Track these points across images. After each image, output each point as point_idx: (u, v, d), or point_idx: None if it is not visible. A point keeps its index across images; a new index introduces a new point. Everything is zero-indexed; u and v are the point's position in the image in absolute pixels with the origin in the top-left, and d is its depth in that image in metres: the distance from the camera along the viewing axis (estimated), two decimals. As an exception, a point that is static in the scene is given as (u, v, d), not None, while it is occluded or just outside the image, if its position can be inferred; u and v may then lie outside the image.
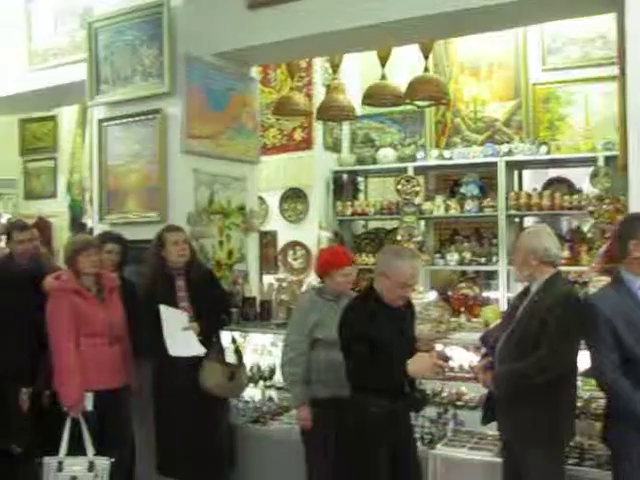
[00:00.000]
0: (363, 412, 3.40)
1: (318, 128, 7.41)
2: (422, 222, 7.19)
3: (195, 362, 4.39)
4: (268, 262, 7.09)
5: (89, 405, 4.21)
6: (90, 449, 4.15)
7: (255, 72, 5.98)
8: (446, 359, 3.52)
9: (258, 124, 5.91)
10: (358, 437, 3.43)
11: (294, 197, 7.48)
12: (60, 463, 4.13)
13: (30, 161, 8.96)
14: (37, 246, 5.06)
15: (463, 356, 4.65)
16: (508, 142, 7.06)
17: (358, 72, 7.60)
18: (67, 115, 8.55)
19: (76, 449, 4.17)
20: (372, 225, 8.19)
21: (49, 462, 4.15)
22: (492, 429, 3.85)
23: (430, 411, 4.38)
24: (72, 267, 4.33)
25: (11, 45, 6.63)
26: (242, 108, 5.60)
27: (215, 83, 5.34)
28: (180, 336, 4.38)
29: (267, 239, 7.13)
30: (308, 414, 4.04)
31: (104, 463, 4.12)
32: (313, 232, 7.38)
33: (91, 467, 4.10)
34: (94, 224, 5.63)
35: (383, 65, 6.16)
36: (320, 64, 7.30)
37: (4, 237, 5.13)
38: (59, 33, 6.28)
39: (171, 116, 5.09)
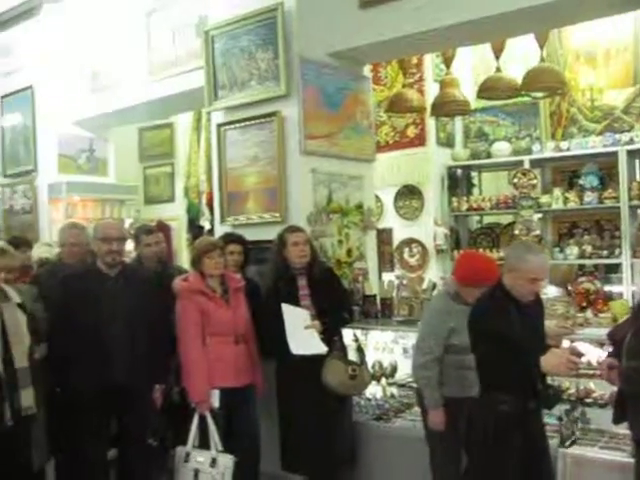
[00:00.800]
0: (493, 411, 3.34)
1: (431, 124, 7.35)
2: (538, 215, 7.02)
3: (317, 360, 4.41)
4: (384, 260, 7.10)
5: (215, 402, 4.33)
6: (214, 445, 4.27)
7: (367, 70, 5.98)
8: (580, 355, 3.39)
9: (373, 122, 5.92)
10: (488, 437, 3.37)
11: (408, 194, 7.43)
12: (187, 454, 4.30)
13: (149, 167, 9.30)
14: (163, 249, 5.21)
15: (591, 352, 4.50)
16: (628, 130, 6.79)
17: (470, 65, 7.50)
18: (183, 122, 8.81)
19: (203, 445, 4.31)
20: (487, 220, 8.06)
21: (179, 452, 4.33)
22: (623, 428, 3.70)
23: (558, 409, 4.25)
24: (198, 269, 4.46)
25: (132, 58, 6.89)
26: (356, 107, 5.62)
27: (329, 83, 5.38)
28: (302, 334, 4.42)
29: (383, 237, 7.12)
30: (442, 418, 3.98)
31: (226, 461, 4.22)
32: (429, 229, 7.33)
33: (213, 462, 4.22)
34: (215, 226, 5.76)
35: (497, 57, 6.06)
36: (431, 59, 7.23)
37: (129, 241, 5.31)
38: (176, 44, 6.47)
39: (288, 118, 5.15)
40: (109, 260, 4.26)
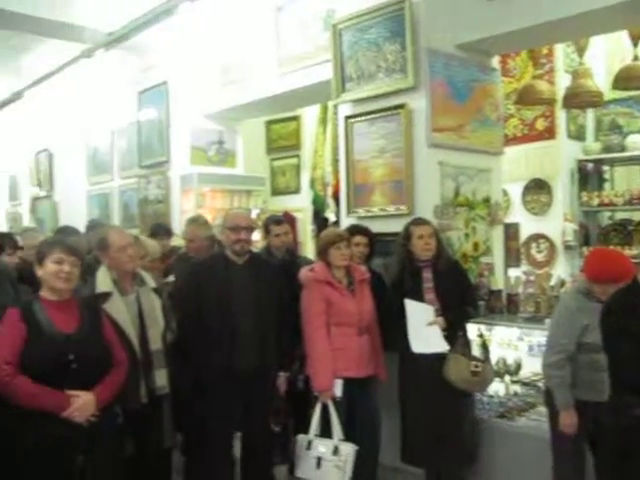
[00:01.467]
0: (624, 415, 3.20)
1: (561, 116, 7.12)
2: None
3: (440, 354, 4.38)
4: (510, 255, 6.95)
5: (338, 391, 4.37)
6: (337, 434, 4.30)
7: (496, 62, 5.88)
8: None
9: (501, 114, 5.81)
10: (618, 443, 3.22)
11: (537, 188, 7.24)
12: (309, 442, 4.35)
13: (276, 159, 9.49)
14: (291, 239, 5.32)
15: None
16: None
17: (603, 54, 7.22)
18: (309, 114, 8.94)
19: (325, 433, 4.36)
20: (619, 216, 7.74)
21: (301, 440, 4.40)
22: None
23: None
24: (324, 259, 4.52)
25: (261, 53, 7.06)
26: (485, 99, 5.53)
27: (457, 75, 5.31)
28: (424, 331, 4.40)
29: (510, 232, 6.98)
30: (574, 419, 3.81)
31: (349, 449, 4.25)
32: (557, 224, 7.12)
33: (335, 451, 4.26)
34: (341, 218, 5.81)
35: (635, 44, 5.80)
36: (562, 49, 7.01)
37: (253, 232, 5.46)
38: (305, 38, 6.58)
39: (415, 110, 5.12)
40: (237, 249, 4.36)
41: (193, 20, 7.08)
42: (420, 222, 4.63)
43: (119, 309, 3.79)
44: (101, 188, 9.98)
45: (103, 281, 3.87)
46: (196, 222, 5.51)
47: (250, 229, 4.49)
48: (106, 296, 3.80)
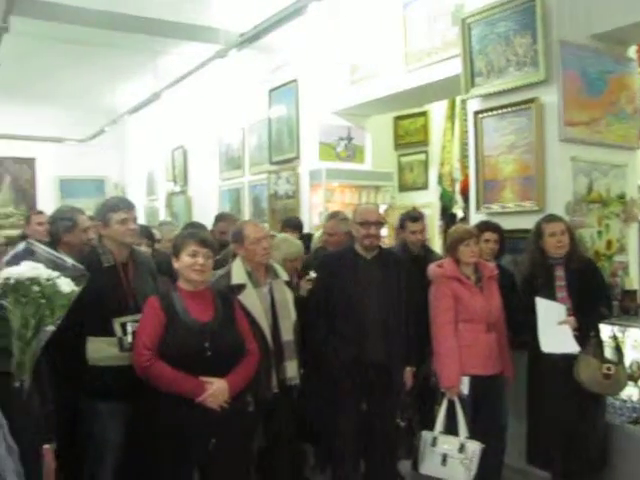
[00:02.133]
0: None
1: None
2: None
3: (571, 355, 4.28)
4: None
5: (465, 389, 4.35)
6: (462, 431, 4.29)
7: (632, 52, 5.65)
8: None
9: (638, 107, 5.58)
10: None
11: (676, 183, 6.90)
12: (434, 439, 4.35)
13: (403, 155, 9.49)
14: (426, 236, 5.36)
15: None
16: None
17: None
18: (437, 110, 8.88)
19: (450, 430, 4.35)
20: None
21: (426, 436, 4.40)
22: None
23: None
24: (453, 255, 4.51)
25: (389, 49, 7.08)
26: (620, 91, 5.35)
27: (591, 67, 5.16)
28: (555, 331, 4.30)
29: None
30: None
31: (475, 447, 4.23)
32: None
33: (461, 448, 4.24)
34: (471, 214, 5.77)
35: None
36: None
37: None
38: (432, 33, 6.54)
39: (547, 104, 5.01)
40: (367, 243, 4.41)
41: (321, 18, 7.18)
42: (552, 219, 4.54)
43: (253, 300, 3.94)
44: (232, 183, 10.32)
45: (238, 273, 4.03)
46: (336, 217, 5.63)
47: (379, 224, 4.52)
48: (241, 287, 3.95)
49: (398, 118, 9.43)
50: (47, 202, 13.87)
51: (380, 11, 7.18)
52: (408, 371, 4.48)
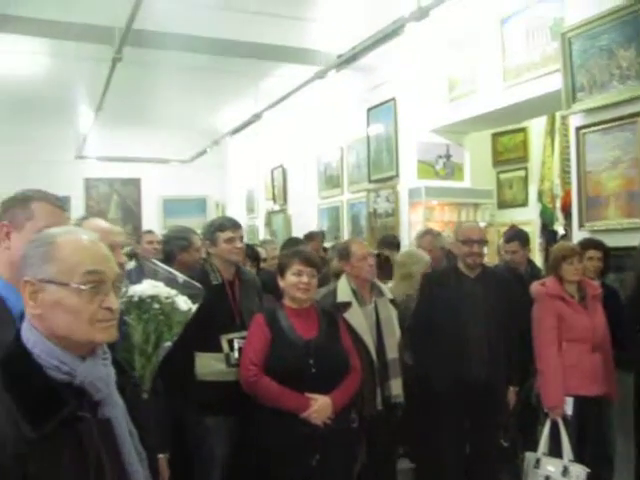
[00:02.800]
0: None
1: None
2: None
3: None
4: None
5: (569, 409, 4.26)
6: (566, 454, 4.20)
7: None
8: None
9: None
10: None
11: None
12: (538, 460, 4.29)
13: (502, 172, 9.40)
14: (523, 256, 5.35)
15: None
16: None
17: None
18: (536, 126, 8.77)
19: (554, 451, 4.26)
20: None
21: (529, 457, 4.35)
22: None
23: None
24: (556, 274, 4.45)
25: (486, 65, 7.06)
26: None
27: (700, 78, 5.01)
28: None
29: None
30: None
31: (579, 471, 4.12)
32: None
33: (565, 471, 4.15)
34: (573, 231, 5.67)
35: None
36: None
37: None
38: (530, 48, 6.48)
39: (657, 118, 4.89)
40: (470, 261, 4.41)
41: (419, 38, 7.23)
42: None
43: (358, 318, 4.00)
44: (331, 202, 10.46)
45: (343, 291, 4.11)
46: (431, 233, 5.73)
47: (482, 242, 4.52)
48: (346, 305, 4.02)
49: (497, 134, 9.37)
50: (151, 221, 14.42)
51: (477, 27, 7.17)
52: (511, 391, 4.45)
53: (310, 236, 7.56)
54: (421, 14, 5.36)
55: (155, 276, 2.55)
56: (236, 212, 14.11)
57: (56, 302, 1.60)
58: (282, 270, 3.68)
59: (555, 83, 5.81)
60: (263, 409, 3.46)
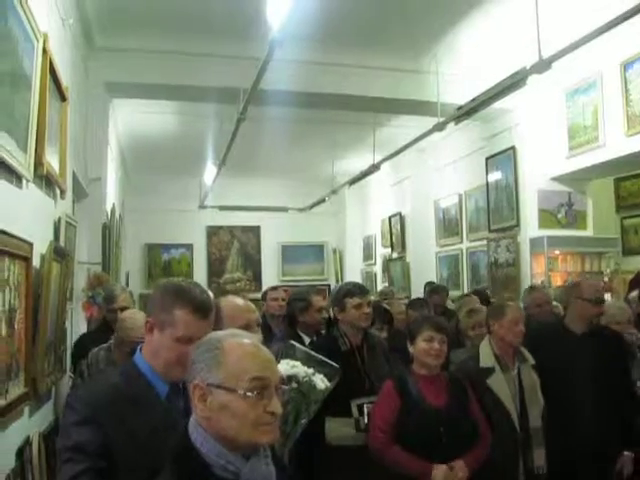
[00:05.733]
0: None
1: None
2: None
3: None
4: None
5: None
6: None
7: None
8: None
9: None
10: None
11: None
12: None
13: (627, 217, 9.11)
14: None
15: None
16: None
17: None
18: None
19: None
20: None
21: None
22: None
23: None
24: None
25: (608, 113, 6.96)
26: None
27: None
28: None
29: None
30: None
31: None
32: None
33: None
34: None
35: None
36: None
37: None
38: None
39: None
40: (596, 322, 4.28)
41: (539, 85, 7.18)
42: None
43: (501, 384, 3.93)
44: (450, 249, 10.43)
45: (486, 355, 4.07)
46: (539, 289, 5.69)
47: (603, 302, 4.41)
48: (490, 371, 3.97)
49: (619, 179, 9.10)
50: (271, 266, 14.79)
51: (599, 74, 7.06)
52: (626, 456, 4.15)
53: (435, 290, 7.55)
54: (543, 66, 5.31)
55: (292, 356, 2.63)
56: (353, 258, 14.30)
57: (223, 406, 1.71)
58: (413, 336, 3.71)
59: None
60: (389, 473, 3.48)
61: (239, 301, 2.78)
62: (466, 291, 9.27)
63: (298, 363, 2.50)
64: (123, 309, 4.42)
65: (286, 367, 2.43)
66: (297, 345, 2.85)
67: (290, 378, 2.40)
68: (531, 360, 4.12)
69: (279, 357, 2.52)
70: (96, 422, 1.98)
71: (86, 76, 6.45)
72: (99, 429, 1.97)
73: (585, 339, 4.26)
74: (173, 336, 2.15)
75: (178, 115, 9.22)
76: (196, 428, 1.75)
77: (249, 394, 1.70)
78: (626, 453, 4.16)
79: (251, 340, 1.83)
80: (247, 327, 2.55)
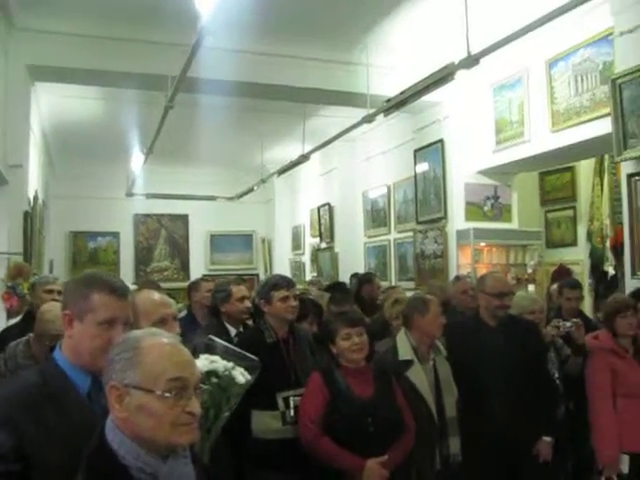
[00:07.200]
0: None
1: None
2: None
3: None
4: None
5: (625, 467, 4.15)
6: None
7: None
8: None
9: None
10: None
11: None
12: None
13: (550, 211, 9.34)
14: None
15: None
16: None
17: None
18: (584, 165, 8.73)
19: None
20: None
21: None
22: None
23: None
24: (610, 327, 4.40)
25: (534, 109, 7.11)
26: None
27: None
28: None
29: None
30: None
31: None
32: None
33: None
34: (626, 280, 5.60)
35: None
36: None
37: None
38: (579, 92, 6.48)
39: None
40: (501, 314, 4.36)
41: (467, 80, 7.27)
42: None
43: (419, 376, 3.98)
44: (378, 240, 10.51)
45: (404, 348, 4.09)
46: (461, 278, 5.99)
47: (512, 294, 4.54)
48: (408, 363, 4.01)
49: (544, 174, 9.35)
50: (198, 256, 14.66)
51: (525, 71, 7.20)
52: (544, 441, 4.26)
53: (366, 279, 7.64)
54: (471, 62, 5.37)
55: (212, 350, 2.60)
56: (282, 248, 14.28)
57: (141, 407, 1.67)
58: (331, 337, 3.73)
59: (604, 127, 5.83)
60: (320, 467, 3.49)
61: (154, 295, 2.72)
62: (394, 282, 9.37)
63: (217, 358, 2.47)
64: (60, 292, 4.30)
65: (205, 362, 2.39)
66: (216, 339, 2.83)
67: (209, 373, 2.37)
68: (444, 352, 4.20)
69: (198, 352, 2.48)
70: (12, 423, 1.90)
71: (6, 58, 6.23)
72: (14, 431, 1.89)
73: (499, 330, 4.35)
74: (95, 321, 2.09)
75: (105, 101, 8.98)
76: (113, 429, 1.71)
77: (167, 395, 1.67)
78: (544, 438, 4.27)
79: (170, 340, 1.80)
80: (162, 322, 2.51)
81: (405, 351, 4.08)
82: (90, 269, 2.40)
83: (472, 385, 4.15)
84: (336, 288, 6.79)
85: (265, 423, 3.71)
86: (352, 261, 10.92)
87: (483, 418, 4.10)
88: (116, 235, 14.30)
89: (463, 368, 4.17)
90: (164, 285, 6.41)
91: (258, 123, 10.11)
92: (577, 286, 5.43)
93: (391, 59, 7.51)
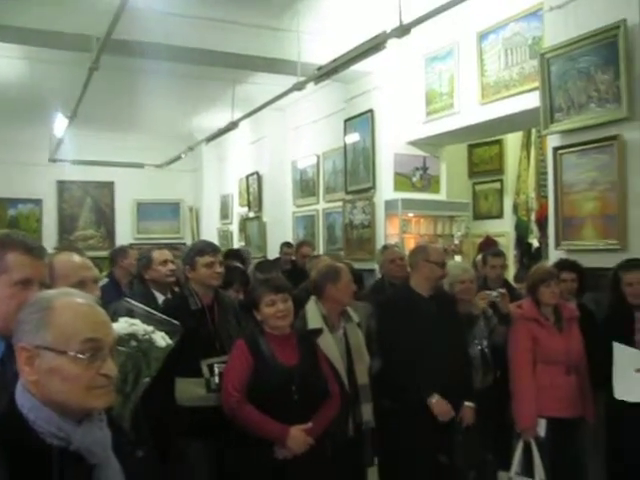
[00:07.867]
0: None
1: None
2: None
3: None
4: None
5: (542, 431, 4.28)
6: (538, 474, 4.22)
7: None
8: None
9: None
10: None
11: None
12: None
13: (478, 183, 9.46)
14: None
15: None
16: None
17: None
18: (512, 138, 8.84)
19: (527, 472, 4.28)
20: None
21: (501, 476, 4.40)
22: None
23: None
24: (533, 296, 4.48)
25: (464, 81, 7.13)
26: None
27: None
28: (631, 378, 4.15)
29: None
30: None
31: (548, 491, 4.13)
32: None
33: (536, 492, 4.15)
34: (550, 251, 5.70)
35: None
36: None
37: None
38: (509, 66, 6.53)
39: (630, 141, 4.92)
40: (440, 283, 4.47)
41: (398, 50, 7.25)
42: (630, 268, 4.42)
43: (329, 345, 3.97)
44: (307, 210, 10.48)
45: (313, 317, 4.08)
46: (389, 247, 6.05)
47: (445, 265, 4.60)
48: (318, 332, 3.99)
49: (472, 146, 9.43)
50: (125, 224, 14.36)
51: (456, 42, 7.22)
52: (466, 407, 4.36)
53: (305, 242, 7.71)
54: (402, 31, 5.35)
55: (131, 314, 2.52)
56: (210, 217, 14.11)
57: (52, 369, 1.58)
58: (256, 304, 3.68)
59: (532, 101, 5.87)
60: (243, 435, 3.46)
61: (74, 257, 2.62)
62: (322, 251, 9.36)
63: (137, 321, 2.39)
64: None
65: (124, 325, 2.31)
66: (135, 303, 2.76)
67: (129, 336, 2.29)
68: (356, 319, 4.23)
69: (116, 316, 2.40)
70: None
71: None
72: None
73: (431, 301, 4.43)
74: (10, 282, 1.99)
75: (27, 60, 8.60)
76: (23, 393, 1.61)
77: (80, 356, 1.58)
78: (466, 403, 4.36)
79: (85, 300, 1.70)
80: (81, 285, 2.40)
81: (315, 320, 4.06)
82: (5, 229, 2.26)
83: (407, 355, 4.21)
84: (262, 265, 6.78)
85: (189, 390, 3.64)
86: (280, 231, 10.86)
87: (417, 387, 4.20)
88: (38, 202, 13.84)
89: (401, 340, 4.23)
90: (89, 254, 6.24)
91: (187, 89, 9.90)
92: (500, 254, 5.54)
93: (323, 26, 7.40)
